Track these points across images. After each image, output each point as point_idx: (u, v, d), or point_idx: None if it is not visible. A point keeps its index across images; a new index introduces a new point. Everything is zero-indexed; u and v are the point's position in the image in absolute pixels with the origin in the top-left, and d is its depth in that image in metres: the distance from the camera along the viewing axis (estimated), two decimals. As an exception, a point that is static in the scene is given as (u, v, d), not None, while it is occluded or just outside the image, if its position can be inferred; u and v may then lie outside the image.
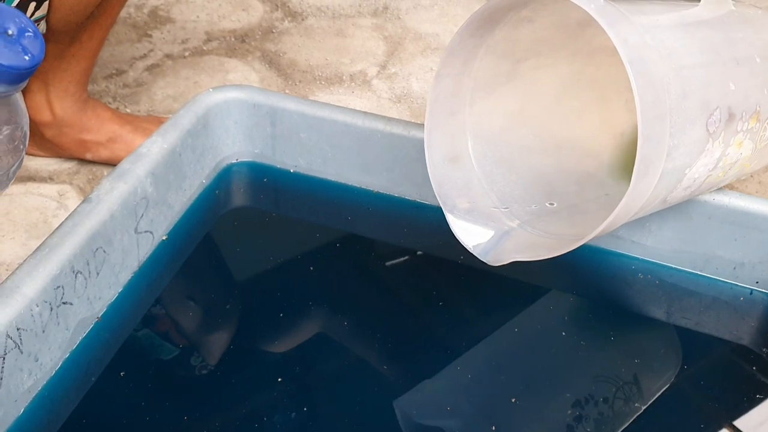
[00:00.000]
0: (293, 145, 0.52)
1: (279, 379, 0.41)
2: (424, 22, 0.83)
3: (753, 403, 0.42)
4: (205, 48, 0.77)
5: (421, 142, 0.48)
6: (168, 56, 0.75)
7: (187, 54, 0.76)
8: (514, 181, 0.43)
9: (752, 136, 0.37)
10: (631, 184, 0.32)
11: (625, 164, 0.47)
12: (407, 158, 0.50)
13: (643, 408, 0.41)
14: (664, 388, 0.42)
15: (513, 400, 0.40)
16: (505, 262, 0.40)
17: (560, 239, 0.39)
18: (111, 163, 0.59)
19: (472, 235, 0.41)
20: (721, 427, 0.41)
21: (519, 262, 0.40)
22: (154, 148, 0.45)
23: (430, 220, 0.51)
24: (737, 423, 0.41)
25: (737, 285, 0.47)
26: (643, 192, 0.33)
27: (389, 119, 0.49)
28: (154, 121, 0.62)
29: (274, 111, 0.51)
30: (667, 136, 0.32)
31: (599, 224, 0.37)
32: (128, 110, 0.67)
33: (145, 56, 0.75)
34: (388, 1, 0.87)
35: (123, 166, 0.44)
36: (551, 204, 0.43)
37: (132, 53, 0.75)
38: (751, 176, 0.62)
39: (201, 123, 0.49)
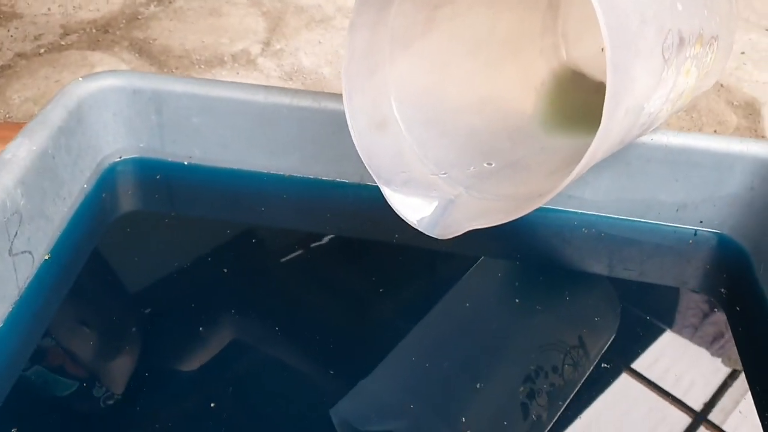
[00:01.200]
0: (185, 134, 0.46)
1: (197, 398, 0.35)
2: (303, -6, 0.78)
3: (701, 347, 0.40)
4: (63, 43, 0.68)
5: (334, 114, 0.43)
6: (20, 55, 0.66)
7: (42, 51, 0.67)
8: (447, 145, 0.39)
9: (698, 63, 0.35)
10: (602, 123, 0.28)
11: (551, 115, 0.44)
12: (319, 134, 0.44)
13: (591, 369, 0.38)
14: (607, 346, 0.39)
15: (460, 385, 0.36)
16: (458, 234, 0.35)
17: (514, 200, 0.35)
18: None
19: (414, 208, 0.36)
20: (670, 372, 0.38)
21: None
22: (20, 152, 0.38)
23: (353, 200, 0.46)
24: (688, 368, 0.39)
25: (681, 227, 0.45)
26: (613, 131, 0.29)
27: (295, 91, 0.43)
28: (12, 128, 0.54)
29: (159, 96, 0.44)
30: (634, 67, 0.28)
31: (548, 179, 0.33)
32: (-19, 119, 0.58)
33: (-8, 57, 0.66)
34: (261, -24, 0.80)
35: (-16, 176, 0.36)
36: (489, 164, 0.39)
37: (-24, 55, 0.66)
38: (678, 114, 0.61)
39: (74, 118, 0.42)
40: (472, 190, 0.37)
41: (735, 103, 0.66)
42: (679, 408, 0.37)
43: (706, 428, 0.36)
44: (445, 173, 0.38)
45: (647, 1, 0.30)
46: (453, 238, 0.36)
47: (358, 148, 0.36)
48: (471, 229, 0.35)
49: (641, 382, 0.38)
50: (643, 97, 0.31)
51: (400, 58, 0.37)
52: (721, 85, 0.68)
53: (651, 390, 0.38)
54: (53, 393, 0.36)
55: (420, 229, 0.37)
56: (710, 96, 0.66)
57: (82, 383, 0.36)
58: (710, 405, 0.37)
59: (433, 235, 0.37)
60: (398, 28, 0.36)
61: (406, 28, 0.37)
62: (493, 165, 0.39)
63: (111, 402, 0.36)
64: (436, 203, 0.37)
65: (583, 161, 0.29)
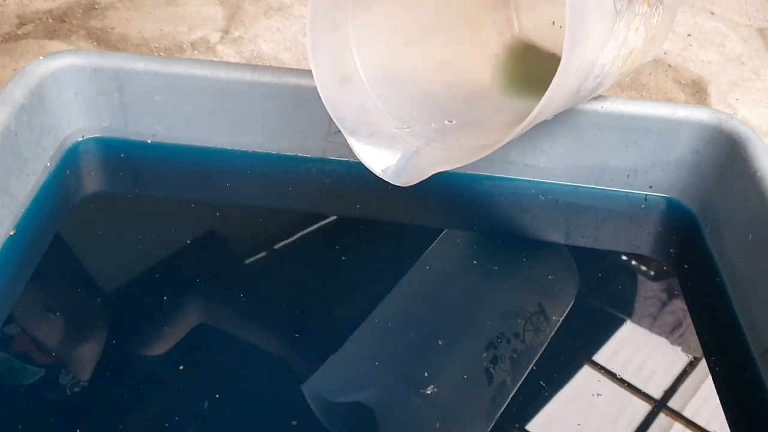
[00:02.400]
0: (147, 112, 0.46)
1: (166, 380, 0.36)
2: (261, -17, 0.78)
3: (653, 309, 0.41)
4: (19, 33, 0.68)
5: (295, 89, 0.44)
6: (-25, 45, 0.66)
7: (-2, 41, 0.66)
8: (409, 102, 0.40)
9: (645, 23, 0.36)
10: (561, 64, 0.29)
11: (506, 83, 0.45)
12: (282, 109, 0.45)
13: (551, 335, 0.39)
14: (567, 312, 0.41)
15: (426, 356, 0.37)
16: (422, 179, 0.36)
17: (476, 147, 0.36)
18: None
19: (379, 159, 0.37)
20: (624, 339, 0.40)
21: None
22: (-17, 128, 0.38)
23: (315, 174, 0.47)
24: (641, 331, 0.40)
25: (632, 192, 0.47)
26: (570, 74, 0.31)
27: (256, 67, 0.44)
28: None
29: (120, 74, 0.45)
30: (590, 9, 0.29)
31: (506, 130, 0.35)
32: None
33: (-53, 47, 0.65)
34: (218, -34, 0.81)
35: (-53, 151, 0.36)
36: (450, 122, 0.40)
37: (-70, 45, 0.65)
38: (627, 83, 0.63)
39: (36, 97, 0.42)
40: (434, 143, 0.38)
41: (682, 81, 0.68)
42: (638, 396, 0.38)
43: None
44: (407, 128, 0.39)
45: None
46: (417, 184, 0.37)
47: (323, 99, 0.37)
48: (434, 173, 0.36)
49: (596, 368, 0.39)
50: (597, 46, 0.32)
51: (362, 16, 0.38)
52: (669, 65, 0.70)
53: (607, 377, 0.39)
54: (19, 380, 0.35)
55: (385, 179, 0.38)
56: (659, 75, 0.69)
57: (48, 369, 0.36)
58: (669, 388, 0.39)
59: (398, 184, 0.38)
60: None
61: None
62: (453, 122, 0.40)
63: (77, 389, 0.35)
64: (400, 154, 0.38)
65: (545, 98, 0.30)
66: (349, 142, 0.38)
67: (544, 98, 0.31)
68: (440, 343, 0.38)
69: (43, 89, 0.43)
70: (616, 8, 0.32)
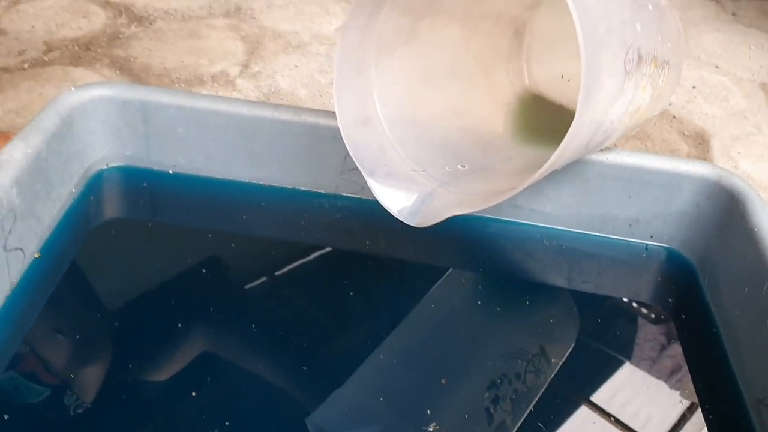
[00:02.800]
0: (170, 143, 0.48)
1: (173, 406, 0.37)
2: (281, 21, 0.81)
3: (651, 355, 0.43)
4: (46, 58, 0.70)
5: (313, 127, 0.46)
6: (4, 69, 0.68)
7: (26, 66, 0.69)
8: (424, 146, 0.42)
9: (652, 83, 0.38)
10: (575, 117, 0.31)
11: (517, 132, 0.47)
12: (299, 146, 0.47)
13: (552, 376, 0.40)
14: (567, 355, 0.42)
15: (430, 393, 0.38)
16: (437, 221, 0.38)
17: (489, 193, 0.38)
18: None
19: (395, 199, 0.39)
20: (623, 381, 0.41)
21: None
22: (16, 153, 0.40)
23: (328, 209, 0.49)
24: (639, 376, 0.42)
25: (634, 242, 0.48)
26: (582, 129, 0.32)
27: (277, 105, 0.46)
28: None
29: (146, 107, 0.47)
30: (603, 69, 0.31)
31: (518, 177, 0.36)
32: (-35, 128, 0.60)
33: (-24, 70, 0.67)
34: (239, 2, 0.83)
35: (-18, 175, 0.38)
36: (463, 167, 0.42)
37: (-40, 67, 0.67)
38: (633, 134, 0.65)
39: (65, 125, 0.44)
40: (448, 186, 0.40)
41: (686, 133, 0.70)
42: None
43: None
44: (423, 170, 0.40)
45: (611, 13, 0.33)
46: (431, 227, 0.38)
47: (345, 140, 0.39)
48: (449, 216, 0.38)
49: (594, 409, 0.40)
50: (608, 102, 0.34)
51: (385, 61, 0.40)
52: (674, 117, 0.72)
53: (605, 419, 0.40)
54: (38, 395, 0.37)
55: (401, 219, 0.39)
56: (663, 126, 0.71)
57: (55, 390, 0.37)
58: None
59: (413, 224, 0.39)
60: (385, 33, 0.39)
61: (392, 35, 0.40)
62: (466, 167, 0.42)
63: (81, 411, 0.36)
64: (415, 196, 0.39)
65: (556, 153, 0.32)
66: (367, 182, 0.39)
67: (557, 150, 0.32)
68: (443, 381, 0.39)
69: (73, 118, 0.45)
70: (626, 69, 0.34)
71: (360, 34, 0.38)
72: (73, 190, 0.46)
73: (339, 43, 0.38)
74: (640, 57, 0.35)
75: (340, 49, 0.38)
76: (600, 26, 0.32)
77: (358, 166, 0.39)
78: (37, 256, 0.41)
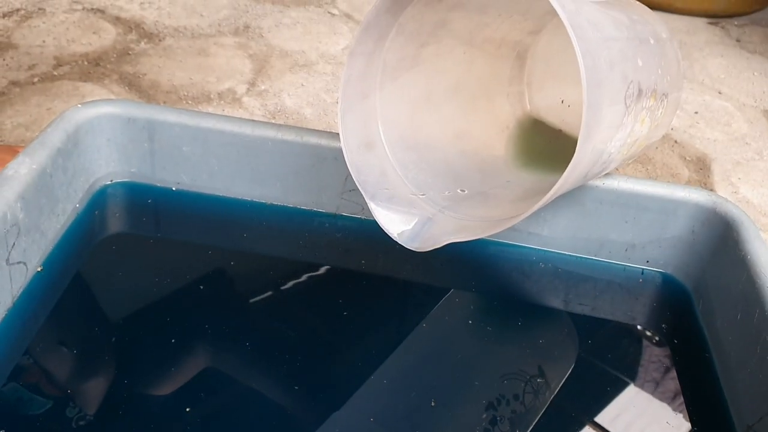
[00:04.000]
0: (175, 161, 0.49)
1: (169, 423, 0.37)
2: (289, 40, 0.82)
3: (645, 379, 0.43)
4: (55, 73, 0.71)
5: (315, 148, 0.47)
6: (14, 83, 0.69)
7: (35, 80, 0.70)
8: (425, 169, 0.43)
9: (651, 115, 0.39)
10: (576, 153, 0.32)
11: (516, 156, 0.48)
12: (301, 166, 0.48)
13: (551, 397, 0.41)
14: (566, 377, 0.42)
15: (426, 414, 0.39)
16: (437, 246, 0.38)
17: (488, 221, 0.39)
18: (-39, 198, 0.53)
19: (396, 223, 0.40)
20: (617, 403, 0.41)
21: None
22: (22, 169, 0.41)
23: (328, 229, 0.50)
24: (633, 398, 0.42)
25: (630, 266, 0.49)
26: (582, 163, 0.33)
27: (280, 126, 0.47)
28: (7, 150, 0.56)
29: (152, 124, 0.47)
30: (604, 105, 0.32)
31: (517, 204, 0.37)
32: (-26, 141, 0.61)
33: (-13, 84, 0.68)
34: (248, 20, 0.85)
35: (-12, 190, 0.39)
36: (462, 191, 0.43)
37: (-28, 81, 0.68)
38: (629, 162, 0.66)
39: (71, 141, 0.45)
40: (448, 211, 0.41)
41: (687, 158, 0.71)
42: None
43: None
44: (423, 194, 0.41)
45: (614, 50, 0.34)
46: (430, 251, 0.39)
47: (348, 164, 0.40)
48: (448, 242, 0.38)
49: (591, 429, 0.41)
50: (607, 137, 0.35)
51: (389, 86, 0.41)
52: (675, 141, 0.73)
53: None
54: (27, 411, 0.37)
55: (400, 242, 0.40)
56: (665, 150, 0.71)
57: (57, 402, 0.37)
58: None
59: (412, 248, 0.40)
60: (390, 59, 0.40)
61: (397, 61, 0.41)
62: (465, 192, 0.43)
63: (83, 423, 0.37)
64: (416, 219, 0.40)
65: (555, 187, 0.33)
66: (369, 205, 0.40)
67: (555, 187, 0.33)
68: (441, 403, 0.39)
69: (79, 134, 0.46)
70: (626, 104, 0.35)
71: (366, 60, 0.39)
72: (78, 205, 0.46)
73: (345, 69, 0.39)
74: (640, 91, 0.36)
75: (347, 75, 0.39)
76: (603, 63, 0.33)
77: (360, 189, 0.40)
78: (39, 269, 0.42)
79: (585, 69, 0.30)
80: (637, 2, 0.44)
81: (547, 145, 0.48)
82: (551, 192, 0.33)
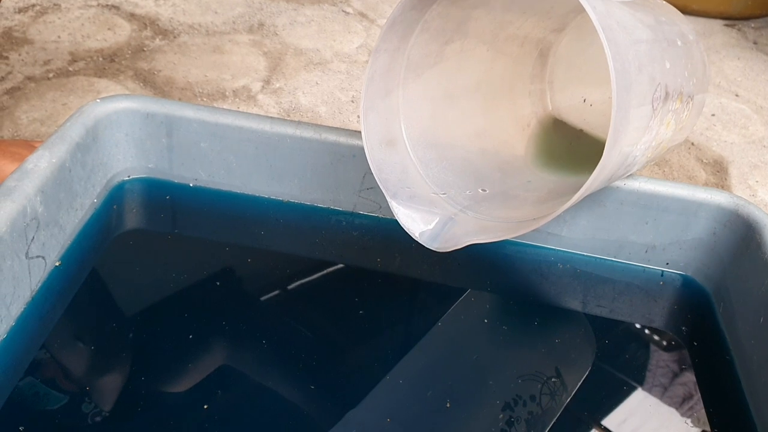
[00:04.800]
0: (192, 157, 0.48)
1: (184, 420, 0.37)
2: (303, 38, 0.82)
3: (664, 382, 0.43)
4: (70, 69, 0.71)
5: (334, 146, 0.46)
6: (30, 78, 0.69)
7: (51, 75, 0.70)
8: (446, 167, 0.42)
9: (676, 118, 0.38)
10: (603, 157, 0.31)
11: (537, 155, 0.48)
12: (319, 163, 0.47)
13: (568, 400, 0.40)
14: (583, 379, 0.42)
15: (442, 411, 0.38)
16: (458, 247, 0.38)
17: (509, 222, 0.38)
18: (-23, 192, 0.53)
19: (417, 221, 0.39)
20: (636, 407, 0.41)
21: (445, 259, 0.38)
22: (41, 163, 0.40)
23: (345, 227, 0.49)
24: (652, 402, 0.42)
25: (649, 268, 0.48)
26: (608, 166, 0.33)
27: (299, 123, 0.47)
28: (23, 145, 0.56)
29: (171, 120, 0.47)
30: (632, 108, 0.32)
31: (538, 206, 0.36)
32: (-10, 135, 0.61)
33: (3, 79, 0.68)
34: (263, 18, 0.85)
35: (8, 183, 0.39)
36: (483, 190, 0.42)
37: (-13, 76, 0.68)
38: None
39: (90, 136, 0.45)
40: (469, 211, 0.40)
41: (704, 160, 0.70)
42: None
43: None
44: (444, 193, 0.41)
45: (643, 52, 0.34)
46: (447, 256, 0.39)
47: (369, 161, 0.40)
48: (469, 243, 0.38)
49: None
50: (633, 140, 0.34)
51: (412, 84, 0.41)
52: (692, 144, 0.72)
53: None
54: (44, 406, 0.37)
55: (421, 242, 0.40)
56: (681, 153, 0.71)
57: (73, 397, 0.37)
58: None
59: (432, 248, 0.39)
60: (414, 57, 0.40)
61: (420, 58, 0.40)
62: (486, 191, 0.42)
63: (99, 418, 0.37)
64: (437, 219, 0.40)
65: (581, 191, 0.32)
66: (390, 204, 0.40)
67: (579, 192, 0.32)
68: (458, 403, 0.39)
69: (98, 129, 0.46)
70: (653, 107, 0.34)
71: (390, 57, 0.39)
72: (95, 200, 0.46)
73: (369, 66, 0.38)
74: (666, 94, 0.35)
75: (370, 72, 0.38)
76: (631, 65, 0.32)
77: (381, 187, 0.40)
78: (57, 264, 0.42)
79: (615, 72, 0.30)
80: (665, 2, 0.44)
81: (567, 146, 0.48)
82: (576, 196, 0.33)
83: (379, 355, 0.42)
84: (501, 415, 0.39)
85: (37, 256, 0.40)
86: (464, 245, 0.38)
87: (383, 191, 0.40)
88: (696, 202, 0.45)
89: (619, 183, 0.46)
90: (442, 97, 0.43)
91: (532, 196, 0.42)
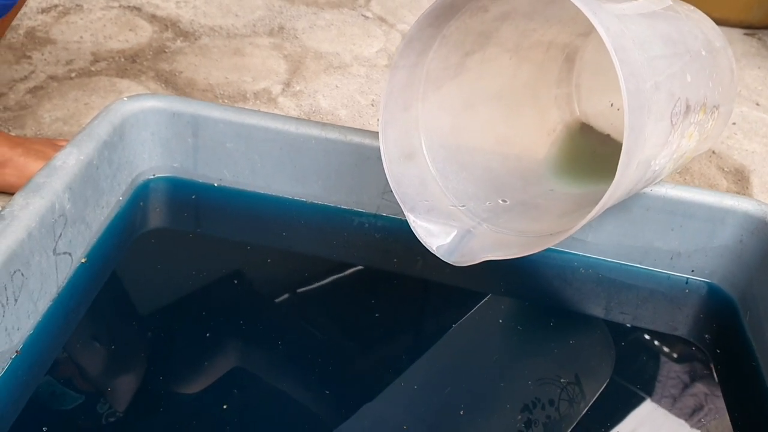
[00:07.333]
0: (217, 157, 0.49)
1: (201, 418, 0.37)
2: (323, 41, 0.82)
3: (687, 390, 0.42)
4: (92, 69, 0.72)
5: (359, 147, 0.46)
6: (52, 78, 0.69)
7: (73, 75, 0.70)
8: (466, 179, 0.42)
9: (700, 129, 0.38)
10: (615, 177, 0.31)
11: (560, 161, 0.47)
12: (343, 165, 0.47)
13: (586, 408, 0.40)
14: (604, 386, 0.42)
15: (461, 412, 0.38)
16: (474, 263, 0.38)
17: (526, 237, 0.38)
18: (0, 191, 0.53)
19: (434, 235, 0.39)
20: (658, 415, 0.41)
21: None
22: (70, 160, 0.41)
23: (368, 229, 0.49)
24: (672, 410, 0.41)
25: (674, 275, 0.48)
26: (623, 183, 0.33)
27: (324, 124, 0.47)
28: (47, 144, 0.56)
29: (197, 120, 0.47)
30: (646, 127, 0.32)
31: (558, 220, 0.36)
32: (13, 134, 0.61)
33: (26, 78, 0.69)
34: (283, 21, 0.85)
35: (37, 179, 0.39)
36: (504, 201, 0.42)
37: (11, 75, 0.69)
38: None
39: (117, 134, 0.45)
40: (488, 223, 0.40)
41: (725, 169, 0.70)
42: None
43: None
44: (463, 206, 0.41)
45: (660, 69, 0.34)
46: (468, 266, 0.39)
47: (388, 175, 0.39)
48: (486, 259, 0.38)
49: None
50: (651, 156, 0.34)
51: (432, 96, 0.41)
52: (713, 152, 0.72)
53: None
54: (67, 404, 0.37)
55: (438, 256, 0.40)
56: (702, 161, 0.70)
57: (94, 395, 0.37)
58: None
59: (450, 262, 0.39)
60: (433, 70, 0.40)
61: (440, 71, 0.40)
62: (507, 202, 0.42)
63: (120, 414, 0.37)
64: (454, 233, 0.40)
65: (594, 211, 0.32)
66: (407, 217, 0.40)
67: (595, 209, 0.32)
68: (475, 408, 0.39)
69: (125, 128, 0.46)
70: (672, 122, 0.34)
71: (408, 72, 0.39)
72: (121, 198, 0.46)
73: (387, 83, 0.38)
74: (688, 107, 0.35)
75: (389, 89, 0.38)
76: (647, 84, 0.32)
77: (399, 201, 0.40)
78: (83, 261, 0.42)
79: (627, 93, 0.30)
80: (692, 7, 0.43)
81: (592, 151, 0.48)
82: (590, 216, 0.33)
83: (401, 357, 0.41)
84: (519, 416, 0.38)
85: (64, 253, 0.40)
86: (480, 260, 0.38)
87: (401, 205, 0.40)
88: (723, 209, 0.45)
89: (645, 189, 0.46)
90: (463, 107, 0.43)
91: (553, 205, 0.42)
